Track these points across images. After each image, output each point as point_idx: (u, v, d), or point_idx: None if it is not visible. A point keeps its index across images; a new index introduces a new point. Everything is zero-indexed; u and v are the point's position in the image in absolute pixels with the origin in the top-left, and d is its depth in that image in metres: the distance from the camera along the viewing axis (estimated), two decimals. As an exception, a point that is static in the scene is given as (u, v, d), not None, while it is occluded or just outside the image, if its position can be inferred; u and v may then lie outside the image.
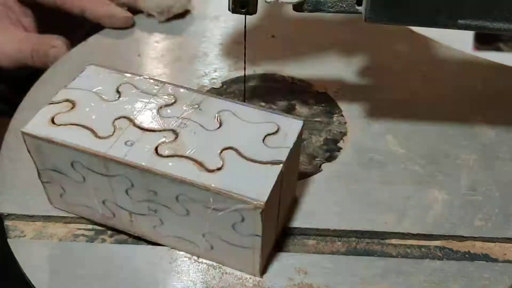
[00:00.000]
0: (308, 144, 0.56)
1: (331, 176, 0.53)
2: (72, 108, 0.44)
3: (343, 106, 0.60)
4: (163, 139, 0.41)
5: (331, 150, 0.55)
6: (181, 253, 0.48)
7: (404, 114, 0.59)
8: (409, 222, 0.49)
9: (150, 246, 0.48)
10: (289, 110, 0.59)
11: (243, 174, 0.39)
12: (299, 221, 0.49)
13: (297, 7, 0.48)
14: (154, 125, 0.42)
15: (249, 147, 0.41)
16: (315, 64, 0.64)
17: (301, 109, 0.59)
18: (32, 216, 0.49)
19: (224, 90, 0.61)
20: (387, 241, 0.49)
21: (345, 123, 0.58)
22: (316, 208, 0.50)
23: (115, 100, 0.45)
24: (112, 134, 0.41)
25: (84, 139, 0.41)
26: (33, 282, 0.46)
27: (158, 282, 0.46)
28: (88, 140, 0.41)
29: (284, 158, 0.41)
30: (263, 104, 0.60)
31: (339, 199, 0.51)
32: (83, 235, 0.49)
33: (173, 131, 0.42)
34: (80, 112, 0.44)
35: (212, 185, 0.38)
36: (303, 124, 0.44)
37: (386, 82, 0.62)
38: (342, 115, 0.59)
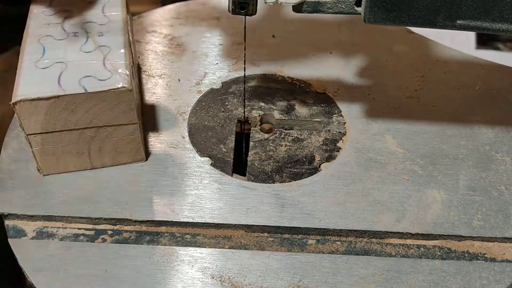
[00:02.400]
0: (307, 144, 0.56)
1: (331, 176, 0.53)
2: None
3: (342, 106, 0.60)
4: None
5: (331, 150, 0.56)
6: (181, 253, 0.48)
7: (403, 114, 0.59)
8: (408, 222, 0.49)
9: (150, 246, 0.48)
10: (289, 110, 0.59)
11: None
12: (299, 221, 0.49)
13: (297, 8, 0.48)
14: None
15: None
16: (314, 65, 0.65)
17: (301, 109, 0.59)
18: (33, 216, 0.49)
19: (225, 90, 0.61)
20: (386, 240, 0.49)
21: (344, 123, 0.58)
22: (316, 208, 0.50)
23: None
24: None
25: None
26: (33, 282, 0.46)
27: (158, 282, 0.46)
28: None
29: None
30: (263, 104, 0.60)
31: (339, 199, 0.51)
32: (83, 235, 0.49)
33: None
34: None
35: None
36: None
37: (385, 82, 0.63)
38: (341, 115, 0.59)
